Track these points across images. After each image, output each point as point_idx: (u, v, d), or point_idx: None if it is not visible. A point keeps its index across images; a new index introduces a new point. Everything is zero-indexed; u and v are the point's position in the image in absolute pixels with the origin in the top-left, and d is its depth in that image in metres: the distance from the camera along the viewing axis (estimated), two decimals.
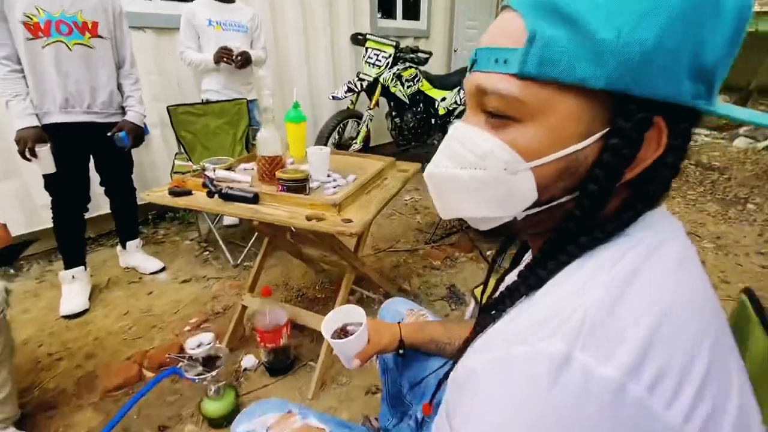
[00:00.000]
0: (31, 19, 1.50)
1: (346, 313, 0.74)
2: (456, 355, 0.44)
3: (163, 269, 2.08)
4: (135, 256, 2.08)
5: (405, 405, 0.84)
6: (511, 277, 0.50)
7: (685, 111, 0.32)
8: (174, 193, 1.20)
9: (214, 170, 1.26)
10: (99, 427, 1.24)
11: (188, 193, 1.22)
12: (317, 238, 1.39)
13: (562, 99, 0.32)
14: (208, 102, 2.32)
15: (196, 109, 2.24)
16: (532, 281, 0.36)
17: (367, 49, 3.18)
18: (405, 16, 4.04)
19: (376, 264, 2.18)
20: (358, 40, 3.41)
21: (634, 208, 0.35)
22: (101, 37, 1.66)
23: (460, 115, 3.61)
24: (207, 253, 2.28)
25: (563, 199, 0.36)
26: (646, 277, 0.31)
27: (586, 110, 0.32)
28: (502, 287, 0.47)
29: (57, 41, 1.56)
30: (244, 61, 2.21)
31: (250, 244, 2.23)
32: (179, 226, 2.62)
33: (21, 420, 1.19)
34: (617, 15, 0.29)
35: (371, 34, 3.28)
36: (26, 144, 1.53)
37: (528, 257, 0.52)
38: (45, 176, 1.66)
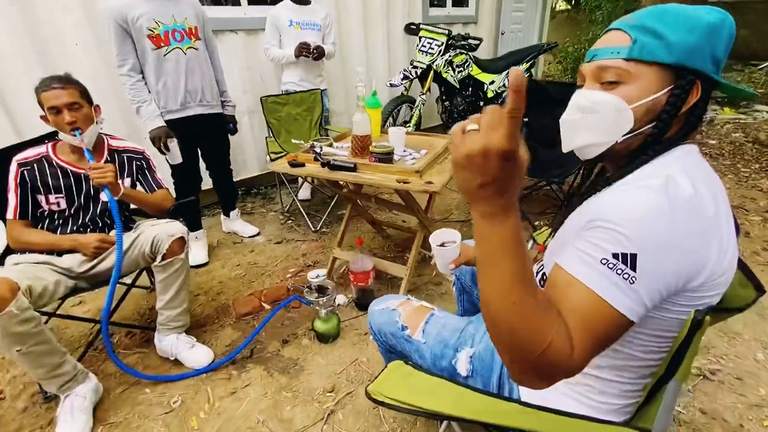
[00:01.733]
0: (153, 31, 1.80)
1: (445, 234, 1.07)
2: (579, 197, 0.71)
3: (258, 233, 2.52)
4: (235, 222, 2.54)
5: (478, 309, 1.16)
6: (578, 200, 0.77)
7: (707, 78, 0.60)
8: (292, 164, 1.58)
9: (321, 147, 1.62)
10: (239, 340, 1.67)
11: (302, 165, 1.60)
12: (402, 200, 1.72)
13: (648, 70, 0.59)
14: (288, 93, 2.71)
15: (281, 99, 2.64)
16: (629, 168, 0.63)
17: (420, 38, 3.43)
18: (454, 4, 4.23)
19: None
20: (411, 29, 3.67)
21: (684, 132, 0.63)
22: (200, 39, 1.98)
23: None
24: (290, 221, 2.71)
25: (646, 128, 0.62)
26: (690, 163, 0.60)
27: (661, 76, 0.59)
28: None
29: (176, 48, 1.89)
30: (319, 54, 2.57)
31: (326, 214, 2.62)
32: (263, 200, 3.07)
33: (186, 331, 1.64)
34: (678, 30, 0.58)
35: (424, 24, 3.53)
36: (160, 140, 1.89)
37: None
38: (172, 166, 2.06)
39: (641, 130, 0.62)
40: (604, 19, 7.97)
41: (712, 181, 0.60)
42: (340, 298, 1.85)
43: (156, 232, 1.40)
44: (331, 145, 1.72)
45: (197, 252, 2.24)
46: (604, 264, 0.52)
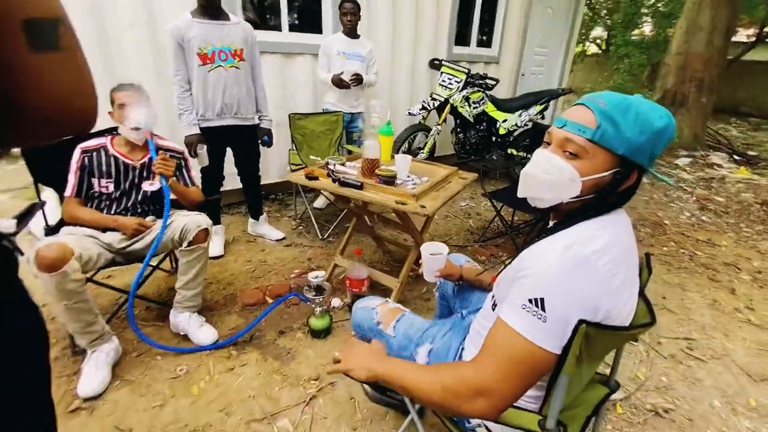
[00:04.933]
0: (202, 50, 2.12)
1: (436, 246, 1.29)
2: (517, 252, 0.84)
3: (284, 237, 2.75)
4: (263, 226, 2.78)
5: (453, 314, 1.34)
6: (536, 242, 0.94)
7: (642, 168, 0.74)
8: (309, 177, 1.82)
9: (335, 165, 1.85)
10: (241, 325, 1.88)
11: (316, 178, 1.83)
12: (399, 219, 1.93)
13: (602, 153, 0.72)
14: (326, 111, 3.02)
15: (306, 117, 2.93)
16: (566, 223, 0.76)
17: (442, 73, 3.71)
18: (479, 44, 4.52)
19: None
20: (435, 64, 3.95)
21: (618, 202, 0.77)
22: (244, 60, 2.27)
23: (519, 135, 4.00)
24: (301, 227, 2.94)
25: (589, 196, 0.75)
26: (610, 228, 0.74)
27: (609, 159, 0.72)
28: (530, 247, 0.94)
29: (219, 66, 2.18)
30: (357, 80, 2.88)
31: (335, 224, 2.85)
32: (279, 206, 3.33)
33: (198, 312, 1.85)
34: (633, 129, 0.70)
35: (447, 60, 3.81)
36: (192, 146, 2.19)
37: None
38: (201, 168, 2.35)
39: (584, 197, 0.76)
40: (626, 71, 8.25)
41: (630, 250, 0.76)
42: (336, 301, 2.04)
43: (186, 221, 1.64)
44: (344, 165, 1.95)
45: (214, 245, 2.48)
46: (524, 308, 0.69)
